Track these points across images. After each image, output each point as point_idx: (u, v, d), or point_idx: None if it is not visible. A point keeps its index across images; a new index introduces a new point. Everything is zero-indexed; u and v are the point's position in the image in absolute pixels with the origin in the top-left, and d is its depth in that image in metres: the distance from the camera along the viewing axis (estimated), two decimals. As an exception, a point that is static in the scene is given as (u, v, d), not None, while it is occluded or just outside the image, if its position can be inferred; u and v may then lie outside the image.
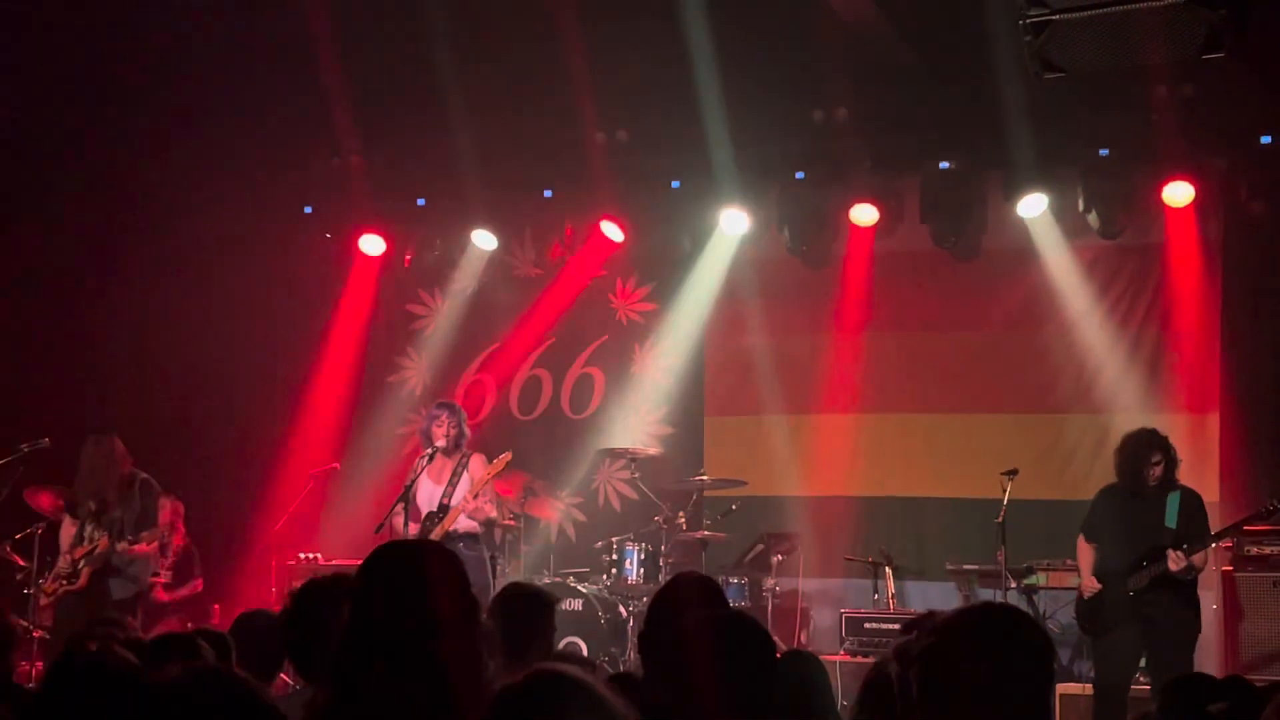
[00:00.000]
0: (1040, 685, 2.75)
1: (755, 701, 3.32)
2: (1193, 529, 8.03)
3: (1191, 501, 8.15)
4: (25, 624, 9.13)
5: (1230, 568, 8.88)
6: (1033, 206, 10.14)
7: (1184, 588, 7.99)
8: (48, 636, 9.05)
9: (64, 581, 8.80)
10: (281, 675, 5.60)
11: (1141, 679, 8.25)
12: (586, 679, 2.47)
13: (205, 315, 11.89)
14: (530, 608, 4.69)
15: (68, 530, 9.00)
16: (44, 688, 3.33)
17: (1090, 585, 8.20)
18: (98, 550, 8.74)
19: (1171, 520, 8.01)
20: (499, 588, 7.73)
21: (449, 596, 2.99)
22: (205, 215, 11.56)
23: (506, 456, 9.31)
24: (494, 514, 9.44)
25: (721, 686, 3.31)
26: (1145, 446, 8.14)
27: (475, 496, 9.13)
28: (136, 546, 8.81)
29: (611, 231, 11.17)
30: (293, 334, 12.00)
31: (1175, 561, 7.84)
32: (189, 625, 9.88)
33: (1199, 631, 8.02)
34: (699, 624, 3.45)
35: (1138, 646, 8.02)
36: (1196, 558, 7.92)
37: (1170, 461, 8.13)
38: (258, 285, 11.80)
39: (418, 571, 3.02)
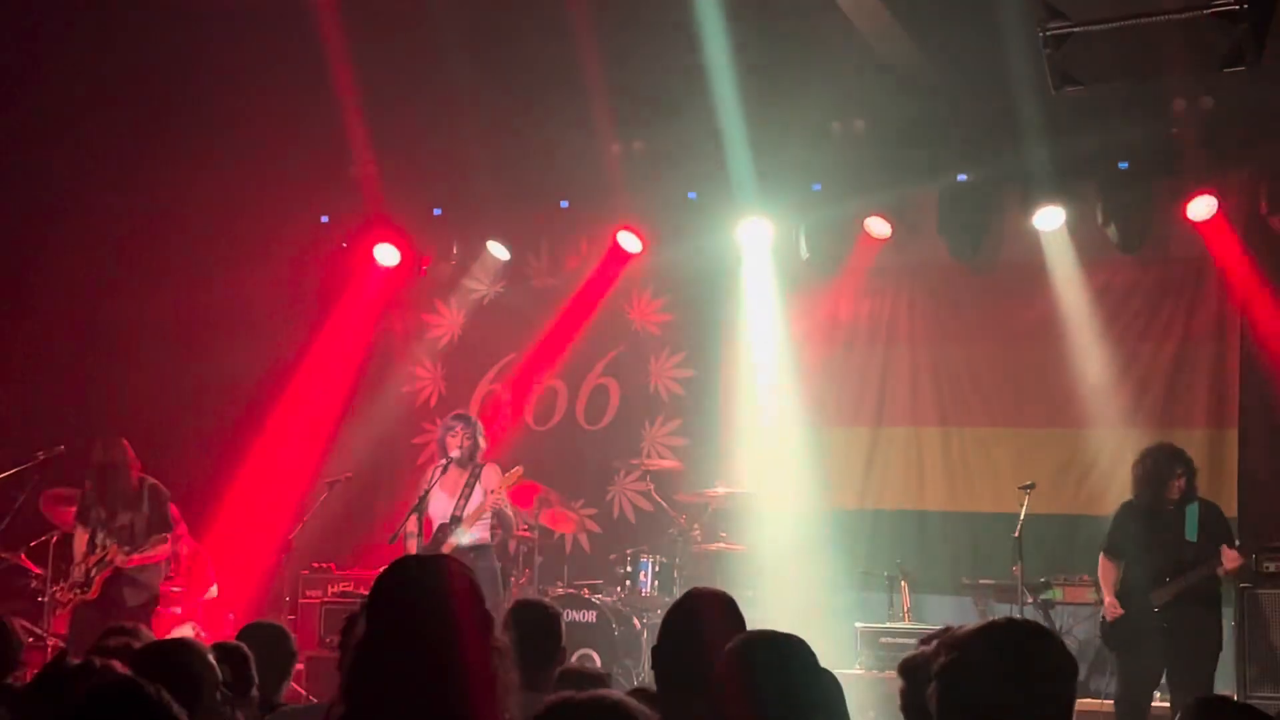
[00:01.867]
0: (1063, 704, 2.72)
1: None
2: (1215, 539, 7.99)
3: (1211, 513, 8.12)
4: (39, 631, 9.14)
5: (1247, 584, 8.82)
6: (1050, 220, 10.10)
7: (1207, 602, 7.96)
8: (62, 645, 9.05)
9: (78, 590, 8.81)
10: (294, 684, 5.59)
11: (1160, 696, 8.19)
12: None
13: (223, 324, 11.92)
14: (540, 623, 4.68)
15: (80, 538, 9.00)
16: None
17: (1113, 607, 8.15)
18: (108, 558, 8.75)
19: (1192, 534, 7.98)
20: (511, 599, 7.72)
21: (464, 610, 2.97)
22: (223, 225, 11.59)
23: (518, 470, 9.30)
24: (510, 514, 9.41)
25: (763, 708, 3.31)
26: (1167, 462, 8.10)
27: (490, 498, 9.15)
28: (138, 557, 8.77)
29: (629, 242, 11.15)
30: (309, 343, 12.01)
31: (1231, 560, 7.79)
32: (203, 633, 9.91)
33: (1220, 647, 7.98)
34: (747, 645, 3.45)
35: (1160, 662, 7.98)
36: (1226, 554, 7.87)
37: (1191, 475, 8.09)
38: (275, 294, 11.82)
39: (433, 585, 3.00)
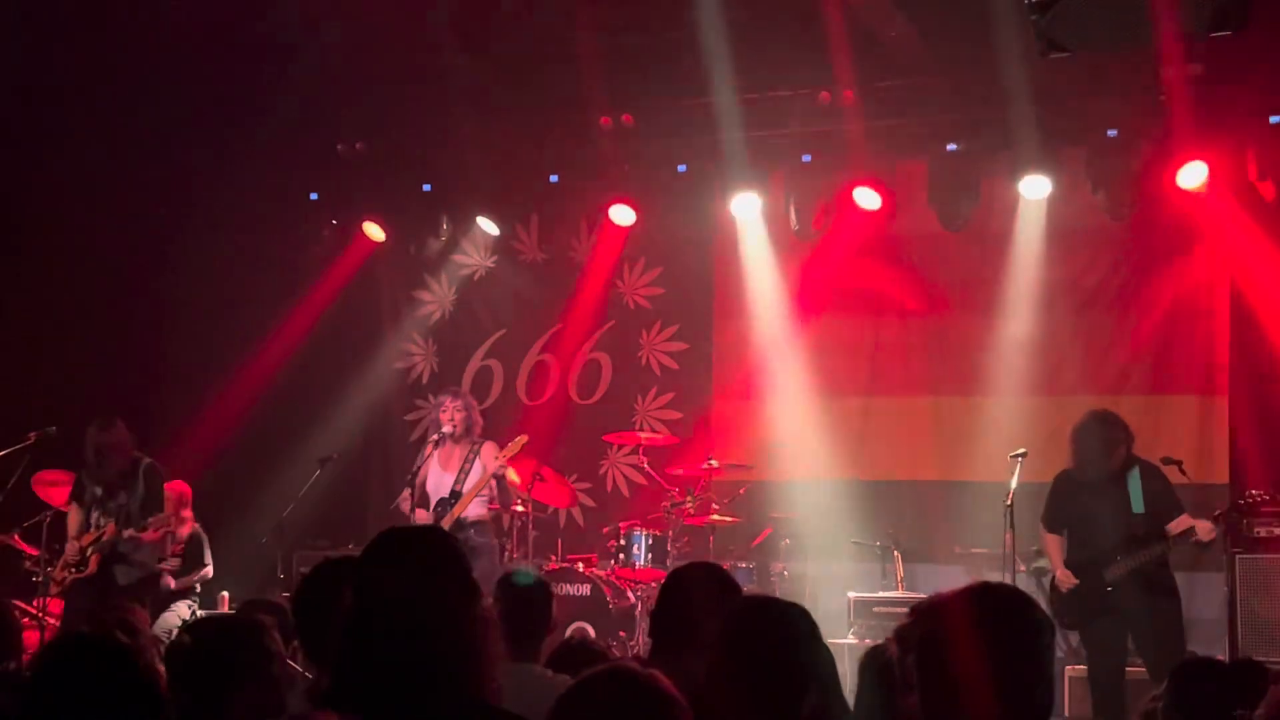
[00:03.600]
0: (1041, 666, 2.72)
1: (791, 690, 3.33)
2: (1161, 506, 7.94)
3: (1152, 478, 8.03)
4: (34, 612, 9.15)
5: (1239, 549, 8.84)
6: (1039, 188, 10.09)
7: (1158, 576, 7.89)
8: (57, 624, 9.06)
9: (72, 569, 8.81)
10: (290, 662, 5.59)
11: (1138, 661, 8.18)
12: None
13: (213, 302, 11.90)
14: (530, 594, 4.69)
15: (75, 517, 9.01)
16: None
17: (1066, 579, 8.08)
18: (105, 537, 8.75)
19: (1138, 505, 7.90)
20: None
21: (449, 580, 2.97)
22: (212, 203, 11.55)
23: (523, 439, 9.32)
24: (507, 477, 9.44)
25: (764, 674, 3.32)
26: (1106, 429, 8.02)
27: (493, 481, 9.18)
28: (144, 534, 8.80)
29: (623, 215, 11.09)
30: (300, 321, 11.99)
31: (1207, 533, 7.77)
32: (199, 612, 9.91)
33: (1181, 615, 7.95)
34: (745, 609, 3.48)
35: (1122, 632, 7.94)
36: (1200, 525, 7.84)
37: (1130, 441, 8.03)
38: (264, 272, 11.80)
39: (417, 556, 3.00)
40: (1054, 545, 8.23)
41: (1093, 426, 8.09)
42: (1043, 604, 5.01)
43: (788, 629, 3.40)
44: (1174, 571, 8.14)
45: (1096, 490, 8.01)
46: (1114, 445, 7.97)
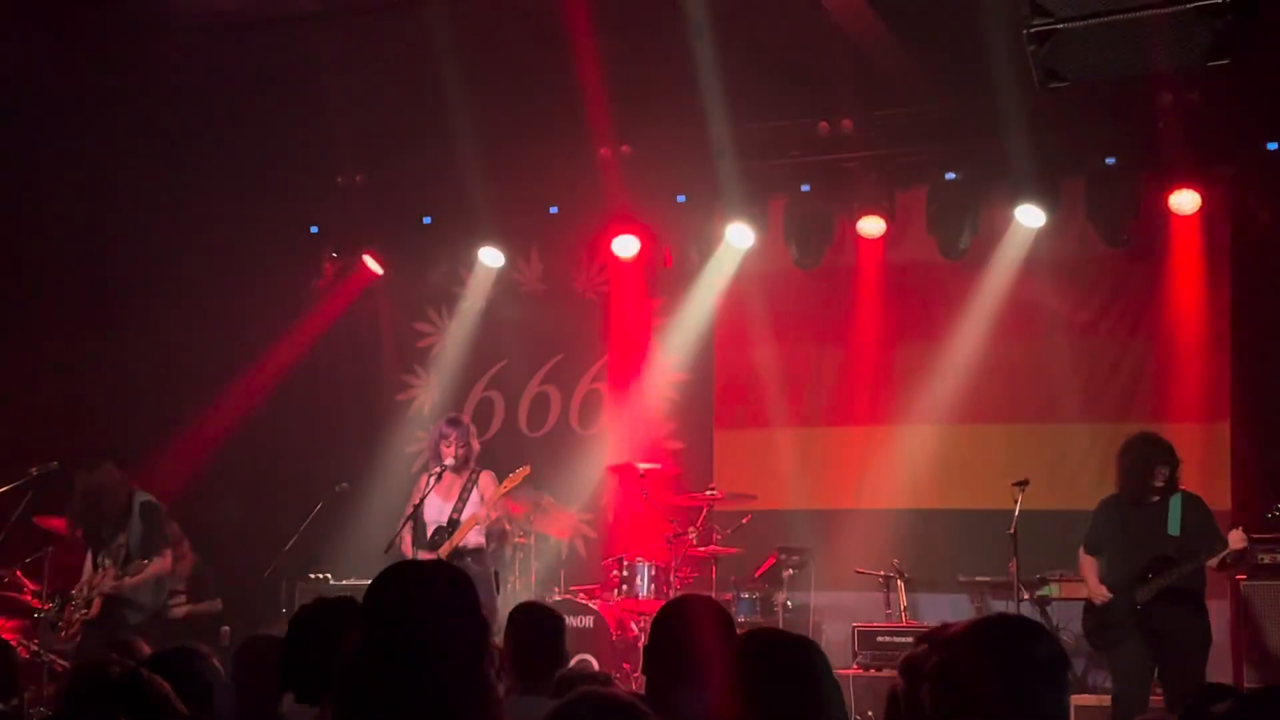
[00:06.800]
0: (1056, 697, 2.72)
1: None
2: (1199, 534, 7.94)
3: (1194, 505, 8.04)
4: (34, 648, 9.11)
5: (1242, 576, 8.82)
6: (1038, 216, 10.11)
7: (1191, 598, 7.89)
8: (60, 663, 9.01)
9: (83, 611, 8.79)
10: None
11: (1157, 689, 8.17)
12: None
13: (214, 335, 11.89)
14: (542, 628, 4.67)
15: (88, 559, 8.98)
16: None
17: (1100, 592, 8.10)
18: (105, 578, 8.72)
19: (1174, 528, 7.91)
20: (508, 605, 7.72)
21: (458, 617, 2.96)
22: (213, 236, 11.57)
23: (525, 470, 9.31)
24: (507, 527, 9.45)
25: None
26: (1150, 453, 8.04)
27: (492, 509, 9.16)
28: (129, 581, 8.73)
29: (625, 246, 11.10)
30: (300, 354, 11.99)
31: (1239, 541, 7.71)
32: (204, 648, 9.85)
33: (1210, 640, 7.95)
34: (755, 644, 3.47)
35: (1149, 656, 7.93)
36: (1232, 535, 7.78)
37: (1174, 465, 8.04)
38: (265, 305, 11.80)
39: (426, 592, 2.99)
40: (1090, 567, 8.26)
41: (1136, 445, 8.11)
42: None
43: (802, 664, 3.38)
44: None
45: (1135, 512, 8.04)
46: (1156, 465, 7.98)
